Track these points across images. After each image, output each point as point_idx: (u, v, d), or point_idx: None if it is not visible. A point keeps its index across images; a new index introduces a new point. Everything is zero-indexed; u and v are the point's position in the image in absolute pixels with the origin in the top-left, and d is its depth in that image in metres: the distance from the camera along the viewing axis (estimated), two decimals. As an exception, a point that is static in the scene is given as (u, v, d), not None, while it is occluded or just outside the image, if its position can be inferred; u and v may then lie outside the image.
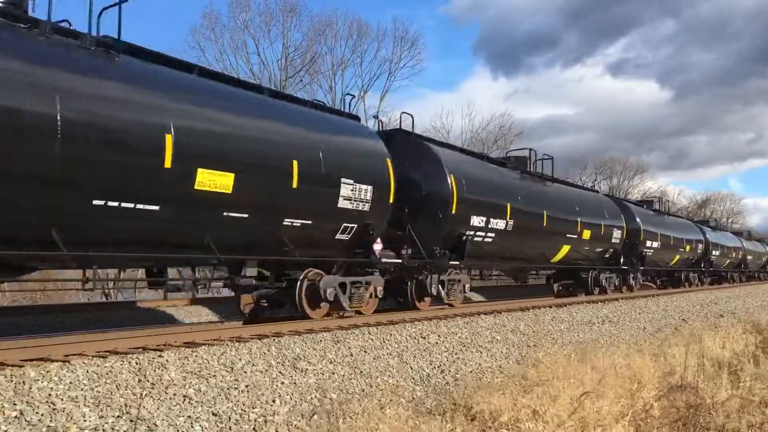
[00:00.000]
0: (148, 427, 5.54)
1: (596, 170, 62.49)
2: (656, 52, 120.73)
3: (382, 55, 48.69)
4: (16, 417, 5.22)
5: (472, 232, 13.90)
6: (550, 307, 15.68)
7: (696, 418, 6.81)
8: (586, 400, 6.55)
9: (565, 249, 18.45)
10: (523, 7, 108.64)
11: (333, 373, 7.89)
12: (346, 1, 69.84)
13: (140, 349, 7.41)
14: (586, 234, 19.25)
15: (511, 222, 15.08)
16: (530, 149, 18.60)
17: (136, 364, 6.68)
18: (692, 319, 18.60)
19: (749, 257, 43.49)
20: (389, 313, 12.33)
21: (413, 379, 8.53)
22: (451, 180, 13.17)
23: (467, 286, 14.54)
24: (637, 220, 23.71)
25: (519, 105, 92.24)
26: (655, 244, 25.14)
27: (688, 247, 29.71)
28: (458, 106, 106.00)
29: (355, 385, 7.76)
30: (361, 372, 8.20)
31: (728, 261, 38.22)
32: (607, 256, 21.35)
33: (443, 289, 13.56)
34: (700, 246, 31.61)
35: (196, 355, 7.28)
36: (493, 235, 14.57)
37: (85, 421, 5.40)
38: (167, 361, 6.93)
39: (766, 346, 12.27)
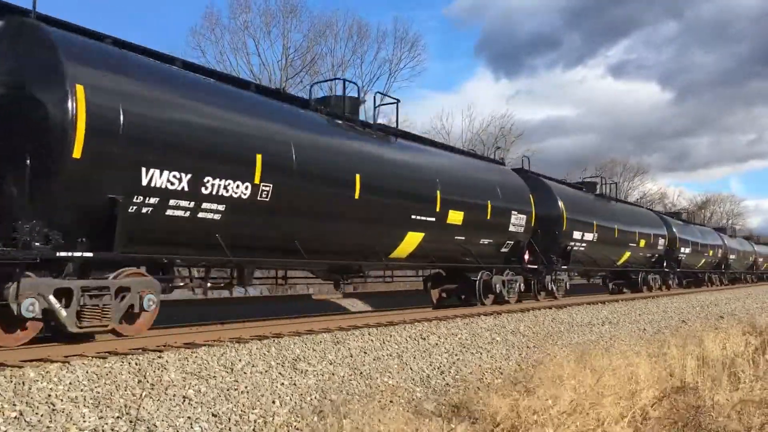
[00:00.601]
0: (148, 427, 5.54)
1: (597, 171, 62.45)
2: (658, 53, 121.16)
3: (382, 56, 48.67)
4: (15, 417, 5.21)
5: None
6: (550, 308, 15.68)
7: (696, 420, 6.80)
8: (586, 402, 6.55)
9: (415, 238, 12.49)
10: (525, 8, 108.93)
11: (333, 374, 7.89)
12: (346, 2, 70.01)
13: (140, 350, 7.41)
14: (456, 217, 13.31)
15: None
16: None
17: (136, 364, 6.68)
18: (692, 321, 18.61)
19: (732, 256, 38.38)
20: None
21: (413, 380, 8.53)
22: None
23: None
24: (559, 204, 17.74)
25: (520, 106, 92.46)
26: (589, 237, 19.25)
27: (642, 242, 24.01)
28: (459, 107, 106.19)
29: (355, 386, 7.76)
30: (361, 373, 8.20)
31: (703, 260, 33.07)
32: (504, 250, 15.58)
33: None
34: (662, 241, 26.29)
35: (196, 356, 7.28)
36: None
37: (84, 421, 5.39)
38: (167, 361, 6.93)
39: (765, 347, 12.26)
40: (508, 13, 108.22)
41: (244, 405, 6.45)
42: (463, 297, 15.18)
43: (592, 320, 15.51)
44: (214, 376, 6.89)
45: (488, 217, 14.62)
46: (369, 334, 9.76)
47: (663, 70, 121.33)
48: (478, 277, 14.69)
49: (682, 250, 28.96)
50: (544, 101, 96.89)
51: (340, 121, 11.57)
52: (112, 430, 5.37)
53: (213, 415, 6.09)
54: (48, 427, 5.20)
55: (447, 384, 8.65)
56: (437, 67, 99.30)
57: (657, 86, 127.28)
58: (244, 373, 7.21)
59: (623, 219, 22.80)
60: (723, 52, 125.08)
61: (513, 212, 15.58)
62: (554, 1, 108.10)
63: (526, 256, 16.37)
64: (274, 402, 6.69)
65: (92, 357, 6.84)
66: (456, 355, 10.03)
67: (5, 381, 5.74)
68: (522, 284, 16.25)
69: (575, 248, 18.55)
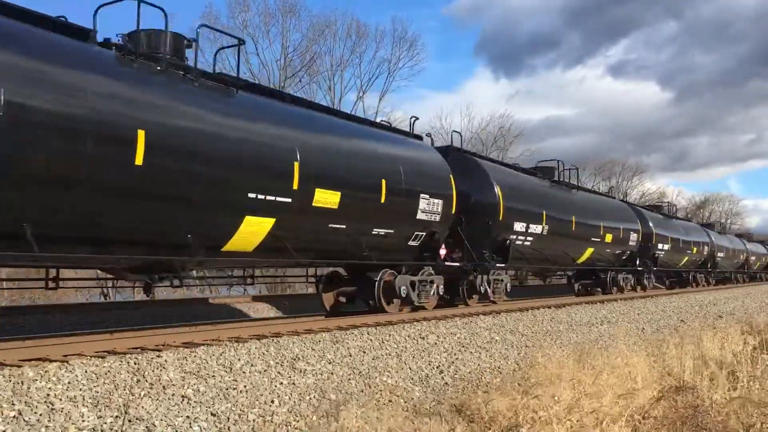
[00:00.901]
0: (147, 427, 5.54)
1: (596, 171, 62.44)
2: (657, 53, 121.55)
3: (381, 55, 48.73)
4: (14, 417, 5.21)
5: None
6: (549, 307, 15.69)
7: (695, 419, 6.81)
8: (585, 401, 6.56)
9: (260, 226, 9.27)
10: (525, 8, 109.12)
11: (332, 374, 7.89)
12: (345, 2, 70.07)
13: (139, 349, 7.41)
14: (328, 199, 10.20)
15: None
16: None
17: (135, 364, 6.68)
18: (690, 320, 18.63)
19: (720, 254, 35.36)
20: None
21: (412, 379, 8.54)
22: None
23: None
24: (495, 189, 14.63)
25: (520, 106, 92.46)
26: (536, 229, 16.11)
27: (609, 237, 20.61)
28: (459, 107, 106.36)
29: (353, 385, 7.76)
30: (360, 372, 8.20)
31: (686, 258, 30.05)
32: (413, 243, 12.62)
33: None
34: (634, 236, 22.97)
35: (195, 356, 7.28)
36: None
37: (83, 421, 5.39)
38: (166, 361, 6.93)
39: (764, 346, 12.28)
40: (507, 12, 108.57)
41: (243, 404, 6.45)
42: (371, 302, 12.46)
43: (591, 320, 15.52)
44: (213, 376, 6.89)
45: (382, 201, 11.35)
46: (368, 334, 9.76)
47: (663, 70, 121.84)
48: (378, 278, 11.98)
49: (660, 246, 25.74)
50: (544, 101, 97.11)
51: (142, 62, 8.16)
52: (111, 429, 5.37)
53: (212, 414, 6.09)
54: (47, 426, 5.20)
55: (446, 383, 8.65)
56: (437, 67, 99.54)
57: (657, 86, 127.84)
58: (243, 372, 7.21)
59: (585, 210, 19.39)
60: (723, 52, 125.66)
61: (423, 196, 12.36)
62: (554, 1, 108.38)
63: (443, 251, 13.38)
64: (273, 401, 6.69)
65: (91, 356, 6.85)
66: (455, 354, 10.03)
67: (4, 380, 5.74)
68: (441, 286, 13.29)
69: (517, 242, 15.42)
